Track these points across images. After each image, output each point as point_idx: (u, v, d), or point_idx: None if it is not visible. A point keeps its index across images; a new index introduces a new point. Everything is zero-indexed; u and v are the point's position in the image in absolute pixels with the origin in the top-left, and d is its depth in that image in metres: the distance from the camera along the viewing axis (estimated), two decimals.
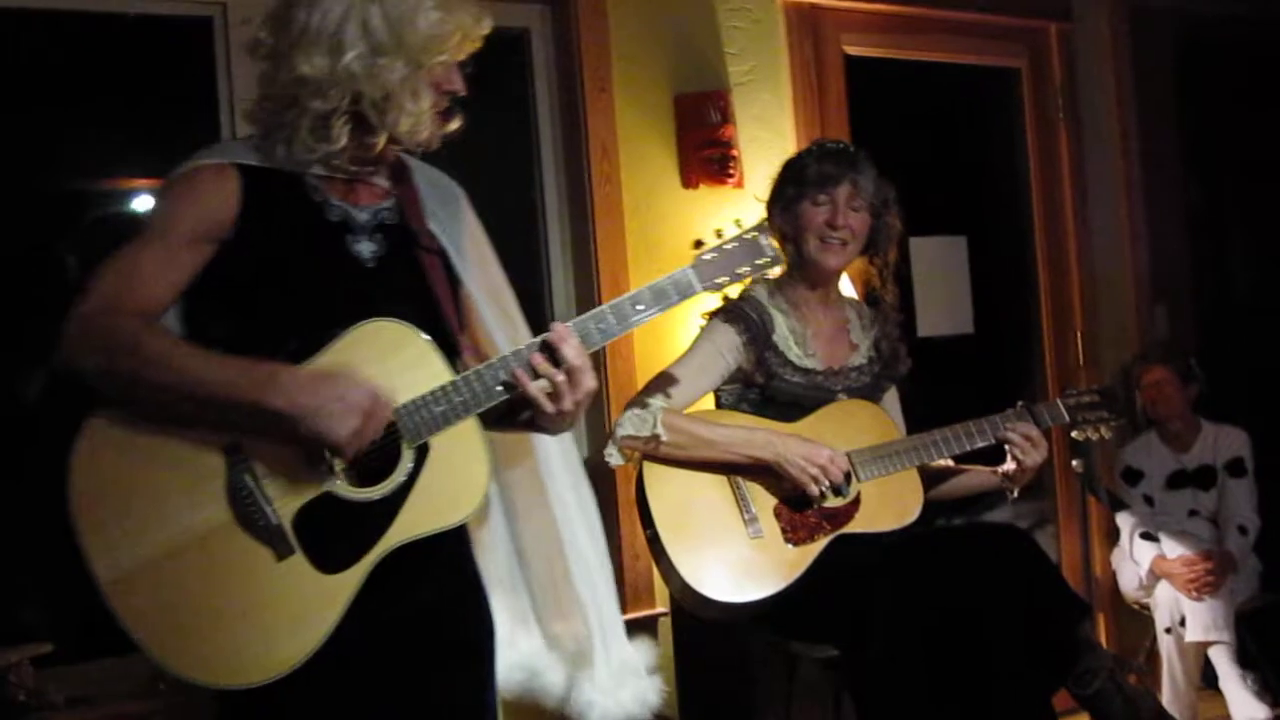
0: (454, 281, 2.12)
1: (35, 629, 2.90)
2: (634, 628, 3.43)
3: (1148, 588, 4.15)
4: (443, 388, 1.94)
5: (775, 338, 2.93)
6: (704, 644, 3.06)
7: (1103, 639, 4.41)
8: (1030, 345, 4.59)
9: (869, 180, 2.95)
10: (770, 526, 2.79)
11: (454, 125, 2.03)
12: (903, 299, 3.19)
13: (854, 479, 2.83)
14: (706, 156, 3.64)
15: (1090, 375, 4.45)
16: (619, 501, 3.47)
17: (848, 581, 2.67)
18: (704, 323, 3.00)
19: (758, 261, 2.10)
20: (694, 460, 2.79)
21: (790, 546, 2.77)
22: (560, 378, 1.97)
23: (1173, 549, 4.09)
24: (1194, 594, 3.98)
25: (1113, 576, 4.37)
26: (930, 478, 3.04)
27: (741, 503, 2.80)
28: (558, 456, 2.29)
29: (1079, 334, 4.52)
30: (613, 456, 2.78)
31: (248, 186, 1.95)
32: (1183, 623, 4.03)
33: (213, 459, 1.88)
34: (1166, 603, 4.08)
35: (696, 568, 2.73)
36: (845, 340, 3.07)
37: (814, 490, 2.75)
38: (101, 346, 1.84)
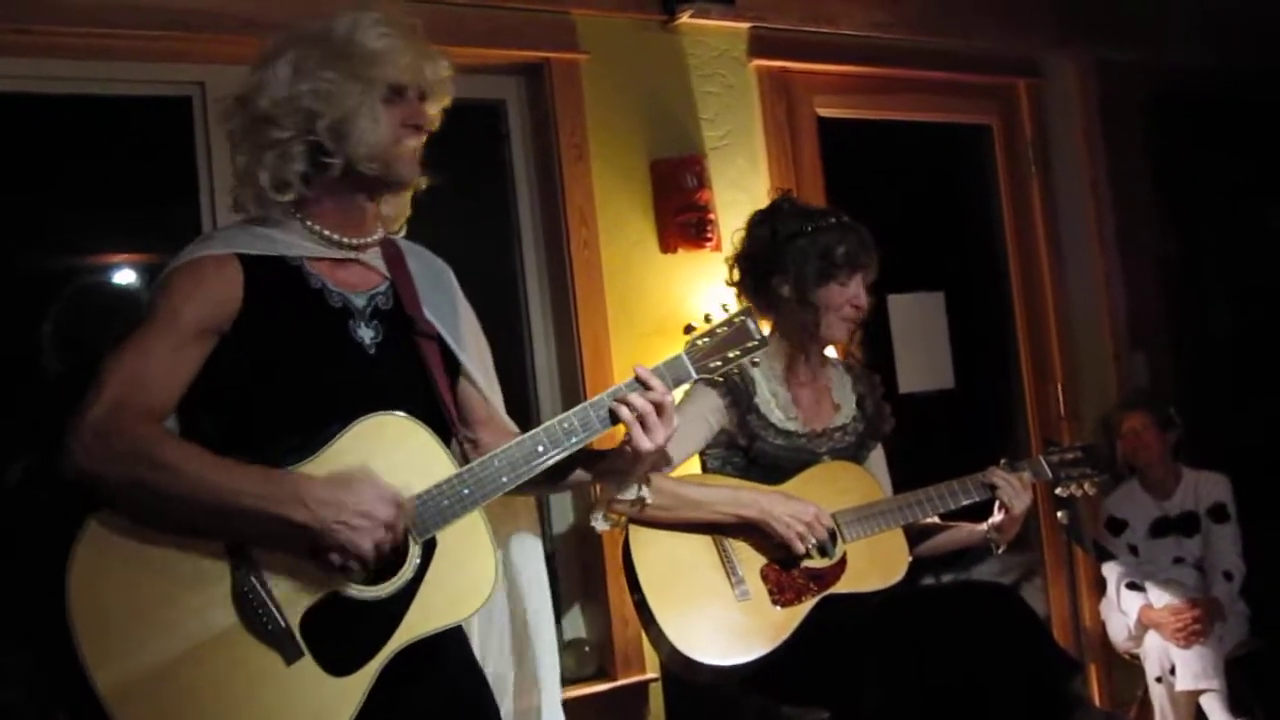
0: (451, 368, 2.15)
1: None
2: (624, 695, 3.47)
3: (1137, 638, 4.15)
4: (449, 481, 1.96)
5: (757, 400, 2.94)
6: (695, 710, 3.04)
7: (1094, 690, 4.40)
8: (1011, 398, 4.62)
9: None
10: (757, 588, 2.78)
11: (422, 178, 2.08)
12: (883, 356, 3.22)
13: (839, 539, 2.84)
14: (684, 221, 3.67)
15: (1071, 426, 4.48)
16: (606, 567, 3.47)
17: (836, 643, 2.67)
18: (686, 387, 3.02)
19: (747, 345, 2.18)
20: (681, 522, 2.79)
21: (778, 608, 2.76)
22: (651, 410, 2.05)
23: (1159, 598, 4.09)
24: (1182, 642, 3.98)
25: (1102, 627, 4.37)
26: (916, 534, 3.05)
27: (728, 565, 2.80)
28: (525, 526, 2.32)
29: (1059, 385, 4.54)
30: (599, 522, 2.77)
31: (249, 276, 1.96)
32: (1173, 671, 4.02)
33: (217, 562, 1.84)
34: (1156, 652, 4.08)
35: (684, 631, 2.72)
36: (828, 401, 3.09)
37: (799, 547, 2.75)
38: (116, 455, 1.79)
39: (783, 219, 3.07)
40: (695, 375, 2.15)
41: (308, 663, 1.84)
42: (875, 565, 2.86)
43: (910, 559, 2.93)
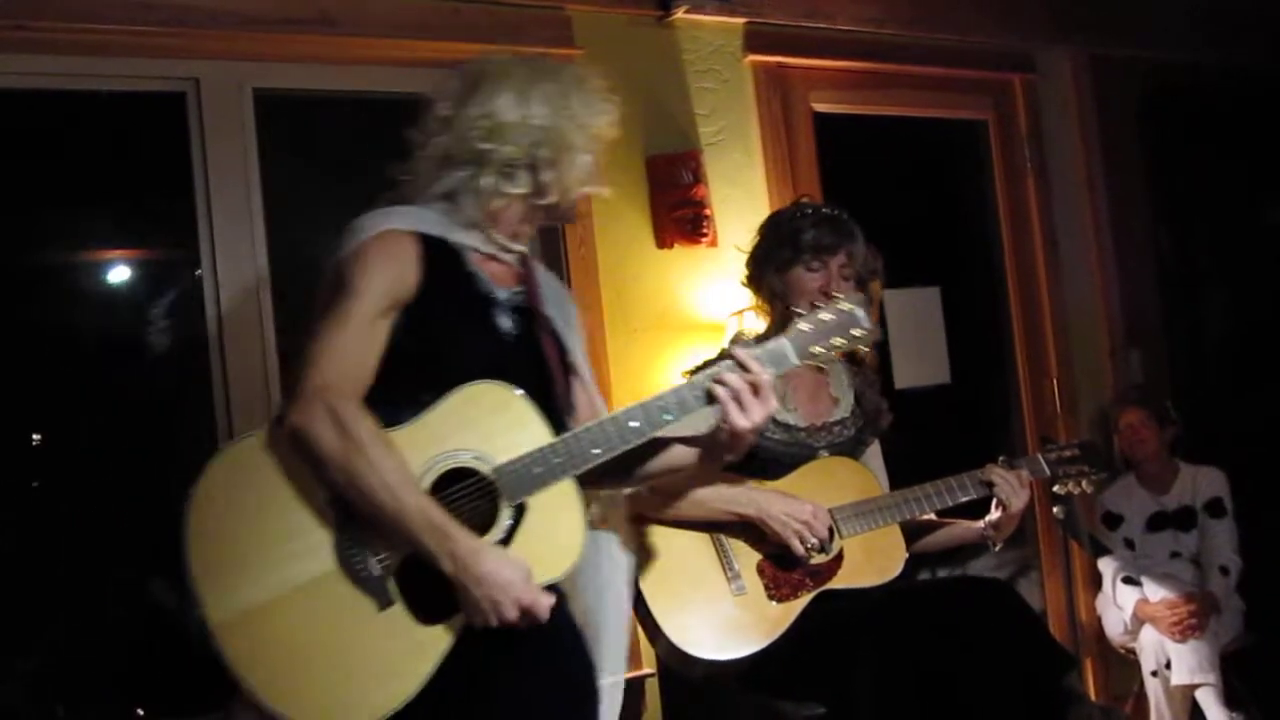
0: (565, 367, 2.28)
1: None
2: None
3: (1132, 632, 4.16)
4: (541, 450, 2.05)
5: None
6: (691, 705, 3.04)
7: (1090, 684, 4.41)
8: (1007, 393, 4.62)
9: (861, 250, 2.98)
10: (753, 583, 2.79)
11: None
12: (879, 351, 3.22)
13: (836, 535, 2.84)
14: (680, 217, 3.67)
15: (1067, 421, 4.48)
16: None
17: (832, 639, 2.67)
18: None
19: (853, 332, 2.19)
20: (677, 519, 2.80)
21: (774, 603, 2.77)
22: (747, 389, 2.11)
23: (1155, 592, 4.10)
24: (1178, 636, 3.99)
25: (1098, 621, 4.38)
26: (913, 531, 3.05)
27: (724, 560, 2.80)
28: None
29: (1055, 380, 4.55)
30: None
31: (427, 255, 2.09)
32: (1169, 665, 4.02)
33: (325, 510, 1.98)
34: (1152, 646, 4.08)
35: (680, 625, 2.72)
36: (826, 395, 3.09)
37: (798, 547, 2.75)
38: (331, 424, 1.92)
39: (778, 216, 3.10)
40: (795, 361, 2.17)
41: (398, 610, 1.97)
42: (872, 561, 2.86)
43: (907, 555, 2.93)
